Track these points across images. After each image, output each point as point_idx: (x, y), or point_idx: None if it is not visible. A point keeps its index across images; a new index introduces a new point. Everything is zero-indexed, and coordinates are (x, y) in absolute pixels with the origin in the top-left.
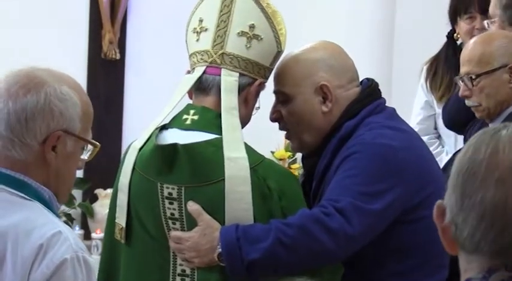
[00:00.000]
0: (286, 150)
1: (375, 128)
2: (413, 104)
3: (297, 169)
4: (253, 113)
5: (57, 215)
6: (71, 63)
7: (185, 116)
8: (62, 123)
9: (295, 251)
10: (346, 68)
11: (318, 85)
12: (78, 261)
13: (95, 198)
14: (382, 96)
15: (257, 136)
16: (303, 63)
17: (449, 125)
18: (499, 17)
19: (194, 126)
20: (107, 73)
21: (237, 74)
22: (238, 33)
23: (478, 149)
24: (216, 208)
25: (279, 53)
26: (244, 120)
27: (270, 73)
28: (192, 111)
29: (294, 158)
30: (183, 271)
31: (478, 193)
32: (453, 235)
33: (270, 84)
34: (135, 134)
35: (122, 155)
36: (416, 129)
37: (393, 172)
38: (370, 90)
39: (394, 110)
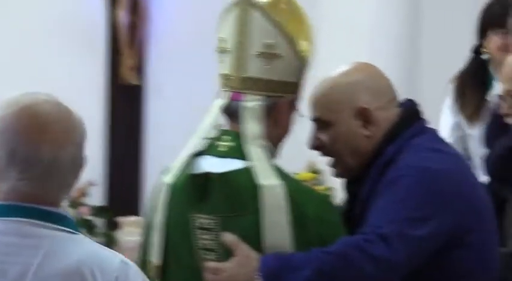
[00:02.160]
0: (312, 171)
1: (420, 150)
2: (440, 125)
3: (323, 190)
4: (295, 116)
5: None
6: (90, 90)
7: (219, 143)
8: None
9: (336, 278)
10: (385, 88)
11: (358, 109)
12: None
13: (116, 226)
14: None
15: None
16: (339, 87)
17: (495, 176)
18: None
19: (229, 154)
20: (125, 99)
21: (261, 98)
22: (257, 54)
23: None
24: (252, 238)
25: (304, 66)
26: (280, 138)
27: (301, 87)
28: (226, 138)
29: (317, 180)
30: None
31: None
32: None
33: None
34: (155, 161)
35: (153, 191)
36: None
37: (439, 197)
38: (412, 111)
39: (436, 131)
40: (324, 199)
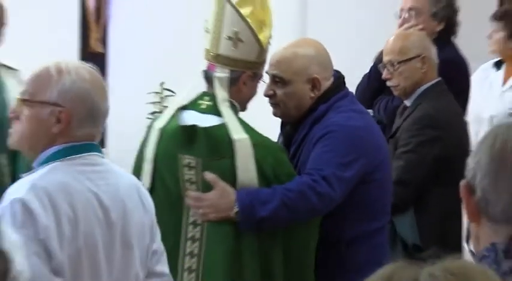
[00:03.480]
0: None
1: (344, 111)
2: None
3: None
4: (259, 83)
5: None
6: (66, 56)
7: (200, 101)
8: None
9: (294, 210)
10: (329, 63)
11: (311, 77)
12: None
13: None
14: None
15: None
16: (300, 57)
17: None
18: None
19: (209, 111)
20: (93, 63)
21: (228, 70)
22: (227, 37)
23: (505, 142)
24: (226, 177)
25: (262, 50)
26: (245, 101)
27: (260, 64)
28: (206, 98)
29: None
30: (194, 221)
31: (510, 178)
32: (482, 208)
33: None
34: (117, 120)
35: (145, 133)
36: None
37: (358, 146)
38: (339, 80)
39: (353, 95)
40: (278, 147)
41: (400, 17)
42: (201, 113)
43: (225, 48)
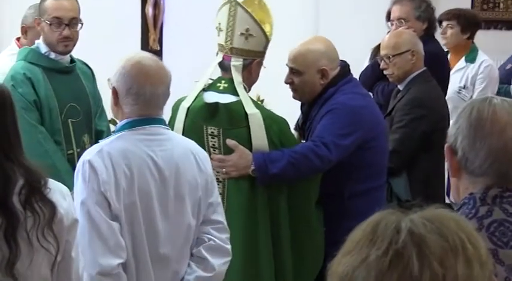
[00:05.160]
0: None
1: (347, 93)
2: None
3: None
4: (260, 70)
5: None
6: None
7: (218, 84)
8: None
9: (299, 168)
10: (336, 56)
11: (320, 68)
12: None
13: None
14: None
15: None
16: (311, 52)
17: (362, 85)
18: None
19: (226, 91)
20: None
21: (241, 59)
22: (239, 33)
23: (481, 111)
24: (243, 142)
25: (268, 41)
26: (251, 83)
27: (265, 53)
28: (223, 81)
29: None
30: (217, 178)
31: (486, 139)
32: (462, 165)
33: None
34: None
35: (172, 110)
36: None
37: (357, 121)
38: (344, 69)
39: (357, 80)
40: (282, 120)
41: (392, 25)
42: (219, 93)
43: (239, 42)
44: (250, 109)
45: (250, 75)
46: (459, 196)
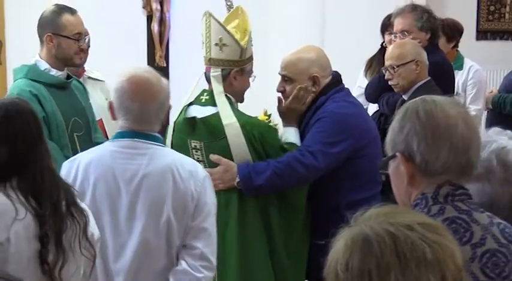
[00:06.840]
0: (265, 115)
1: (337, 101)
2: (356, 84)
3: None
4: (251, 81)
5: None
6: None
7: (201, 97)
8: None
9: (284, 177)
10: (327, 64)
11: (312, 75)
12: None
13: None
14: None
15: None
16: (303, 60)
17: (368, 98)
18: (414, 32)
19: (207, 103)
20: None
21: (219, 70)
22: (214, 44)
23: (430, 111)
24: (226, 153)
25: (242, 50)
26: (239, 93)
27: (244, 62)
28: (205, 93)
29: (269, 120)
30: None
31: (445, 136)
32: (422, 169)
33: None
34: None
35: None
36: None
37: (346, 129)
38: (336, 79)
39: (348, 90)
40: (265, 124)
41: (396, 38)
42: (202, 106)
43: (215, 52)
44: (226, 119)
45: (232, 85)
46: (410, 202)
